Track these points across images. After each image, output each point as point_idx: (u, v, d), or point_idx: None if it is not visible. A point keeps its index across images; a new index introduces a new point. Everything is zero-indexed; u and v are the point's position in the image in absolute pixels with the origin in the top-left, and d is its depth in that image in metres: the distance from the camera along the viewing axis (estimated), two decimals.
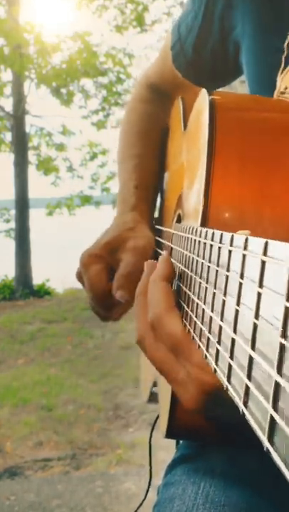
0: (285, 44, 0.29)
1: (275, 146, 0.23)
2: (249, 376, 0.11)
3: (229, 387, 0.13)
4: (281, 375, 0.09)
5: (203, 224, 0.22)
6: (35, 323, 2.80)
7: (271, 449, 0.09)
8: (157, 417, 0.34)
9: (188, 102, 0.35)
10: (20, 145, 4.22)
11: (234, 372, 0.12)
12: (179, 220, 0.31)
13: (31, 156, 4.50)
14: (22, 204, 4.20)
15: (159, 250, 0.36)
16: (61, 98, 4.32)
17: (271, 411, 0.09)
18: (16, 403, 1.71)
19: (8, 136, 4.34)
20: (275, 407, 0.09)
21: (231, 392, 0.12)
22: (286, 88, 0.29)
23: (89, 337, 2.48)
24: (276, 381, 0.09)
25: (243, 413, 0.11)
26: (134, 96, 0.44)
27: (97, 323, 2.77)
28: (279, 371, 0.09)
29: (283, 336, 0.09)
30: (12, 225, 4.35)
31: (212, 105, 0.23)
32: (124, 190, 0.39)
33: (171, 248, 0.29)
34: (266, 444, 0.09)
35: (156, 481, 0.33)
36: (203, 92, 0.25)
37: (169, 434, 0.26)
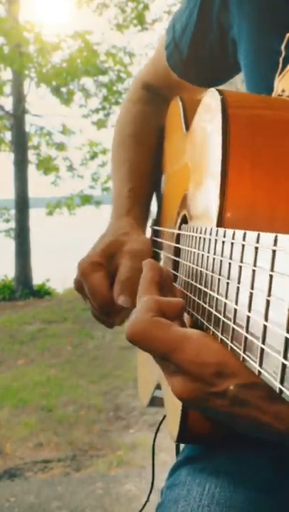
0: (283, 46, 0.29)
1: (287, 145, 0.22)
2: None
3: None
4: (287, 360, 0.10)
5: (219, 225, 0.21)
6: (35, 323, 2.80)
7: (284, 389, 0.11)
8: (161, 421, 0.33)
9: (188, 102, 0.35)
10: (20, 144, 4.22)
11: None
12: (184, 222, 0.30)
13: (31, 155, 4.52)
14: (22, 204, 4.20)
15: (158, 251, 0.35)
16: (61, 97, 4.32)
17: (282, 360, 0.10)
18: (15, 404, 1.70)
19: (8, 136, 4.35)
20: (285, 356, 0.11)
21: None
22: (283, 91, 0.28)
23: (89, 337, 2.48)
24: (286, 337, 0.10)
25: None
26: (129, 97, 0.44)
27: (98, 323, 2.75)
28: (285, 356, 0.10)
29: None
30: (12, 224, 4.36)
31: (224, 104, 0.23)
32: (117, 194, 0.38)
33: (178, 248, 0.29)
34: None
35: (157, 482, 0.33)
36: (212, 91, 0.24)
37: (181, 439, 0.25)
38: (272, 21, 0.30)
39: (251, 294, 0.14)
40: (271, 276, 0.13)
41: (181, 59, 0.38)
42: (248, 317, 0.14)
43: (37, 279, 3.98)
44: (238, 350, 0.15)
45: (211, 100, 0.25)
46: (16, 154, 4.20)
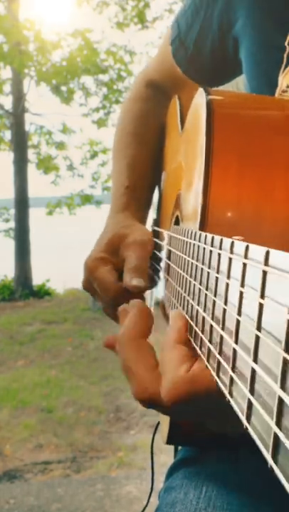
0: (287, 42, 0.29)
1: (273, 145, 0.22)
2: (252, 390, 0.11)
3: (231, 400, 0.12)
4: (285, 390, 0.09)
5: (202, 225, 0.21)
6: (35, 324, 2.79)
7: (275, 467, 0.09)
8: (158, 422, 0.33)
9: (185, 101, 0.36)
10: (20, 143, 4.21)
11: (236, 385, 0.12)
12: (177, 222, 0.30)
13: (31, 154, 4.50)
14: (22, 203, 4.19)
15: (157, 252, 0.35)
16: (61, 96, 4.31)
17: (275, 428, 0.09)
18: (15, 405, 1.70)
19: (8, 135, 4.34)
20: (278, 424, 0.09)
21: (233, 405, 0.12)
22: (288, 87, 0.28)
23: (90, 338, 2.47)
24: (279, 396, 0.09)
25: (246, 428, 0.11)
26: (132, 94, 0.43)
27: (98, 324, 2.81)
28: (283, 386, 0.09)
29: (287, 350, 0.09)
30: (12, 224, 4.34)
31: (209, 104, 0.23)
32: (115, 191, 0.38)
33: (169, 251, 0.28)
34: (270, 461, 0.09)
35: (158, 484, 0.33)
36: (200, 91, 0.24)
37: (170, 440, 0.26)
38: (276, 17, 0.30)
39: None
40: (261, 305, 0.10)
41: (186, 55, 0.37)
42: (235, 351, 0.12)
43: (37, 280, 3.97)
44: (222, 387, 0.13)
45: (198, 100, 0.25)
46: (16, 153, 4.19)
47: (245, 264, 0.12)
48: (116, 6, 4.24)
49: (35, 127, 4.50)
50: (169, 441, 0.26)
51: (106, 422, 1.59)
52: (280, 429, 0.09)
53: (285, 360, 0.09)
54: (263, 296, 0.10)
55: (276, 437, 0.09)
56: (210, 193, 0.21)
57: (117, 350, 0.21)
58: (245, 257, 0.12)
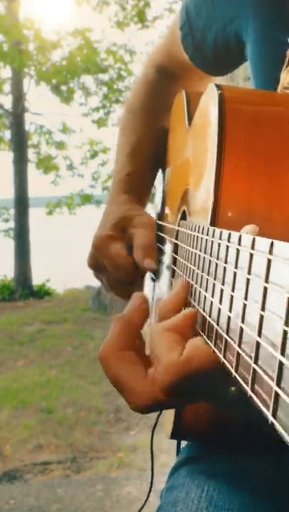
0: None
1: (284, 142, 0.22)
2: (256, 360, 0.12)
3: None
4: (284, 356, 0.10)
5: (213, 221, 0.21)
6: (35, 324, 2.79)
7: None
8: (156, 421, 0.33)
9: (192, 95, 0.35)
10: (20, 143, 4.21)
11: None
12: (183, 217, 0.30)
13: (31, 154, 4.50)
14: (21, 203, 4.19)
15: (160, 245, 0.35)
16: (61, 95, 4.31)
17: None
18: (15, 405, 1.70)
19: (8, 134, 4.34)
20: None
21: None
22: None
23: (90, 338, 2.47)
24: (280, 361, 0.10)
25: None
26: (140, 80, 0.43)
27: (98, 324, 2.81)
28: (282, 353, 0.10)
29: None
30: (11, 224, 4.35)
31: (221, 101, 0.23)
32: (116, 178, 0.39)
33: (176, 244, 0.28)
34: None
35: (158, 484, 0.33)
36: (211, 86, 0.24)
37: (175, 435, 0.25)
38: (279, 12, 0.30)
39: (245, 304, 0.14)
40: (266, 288, 0.12)
41: (193, 42, 0.37)
42: (242, 329, 0.13)
43: (37, 280, 3.98)
44: (229, 367, 0.15)
45: (209, 95, 0.25)
46: (16, 153, 4.19)
47: (251, 254, 0.13)
48: (116, 5, 4.25)
49: (35, 127, 4.51)
50: (173, 436, 0.25)
51: (106, 422, 1.59)
52: None
53: (285, 332, 0.10)
54: (267, 281, 0.11)
55: None
56: (221, 190, 0.21)
57: (103, 367, 0.21)
58: (252, 248, 0.13)
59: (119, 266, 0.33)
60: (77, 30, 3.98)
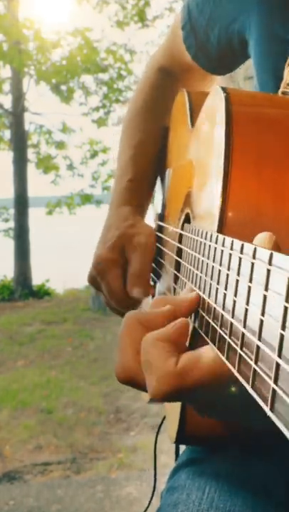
0: None
1: None
2: (257, 359, 0.13)
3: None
4: (281, 358, 0.11)
5: (220, 226, 0.21)
6: (34, 324, 2.79)
7: None
8: (162, 422, 0.33)
9: (195, 96, 0.35)
10: (20, 143, 4.21)
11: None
12: (187, 220, 0.30)
13: (31, 154, 4.50)
14: (21, 203, 4.19)
15: (160, 246, 0.36)
16: (61, 95, 4.31)
17: None
18: (15, 406, 1.69)
19: (7, 134, 4.34)
20: None
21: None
22: None
23: (90, 338, 2.47)
24: (277, 363, 0.11)
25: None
26: (142, 81, 0.43)
27: (98, 324, 2.81)
28: (279, 355, 0.11)
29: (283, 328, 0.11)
30: (11, 224, 4.34)
31: (228, 103, 0.23)
32: (118, 182, 0.40)
33: (179, 248, 0.29)
34: None
35: (158, 485, 0.33)
36: (217, 89, 0.24)
37: (179, 440, 0.25)
38: (283, 10, 0.30)
39: (246, 309, 0.14)
40: (265, 296, 0.13)
41: (195, 41, 0.37)
42: (243, 333, 0.14)
43: (36, 280, 3.97)
44: (231, 367, 0.15)
45: (215, 98, 0.25)
46: (15, 153, 4.18)
47: (253, 263, 0.14)
48: (116, 4, 4.25)
49: (34, 126, 4.51)
50: (177, 441, 0.25)
51: (106, 422, 1.59)
52: None
53: (281, 335, 0.11)
54: (266, 288, 0.12)
55: None
56: (229, 193, 0.21)
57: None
58: (253, 257, 0.14)
59: (114, 293, 0.35)
60: (77, 29, 3.97)
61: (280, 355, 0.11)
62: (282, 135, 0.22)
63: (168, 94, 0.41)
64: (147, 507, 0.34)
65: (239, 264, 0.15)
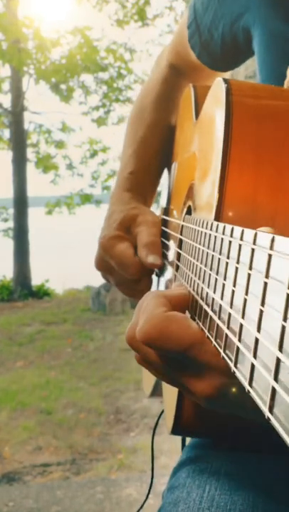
0: None
1: None
2: (255, 355, 0.12)
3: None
4: (282, 352, 0.10)
5: (217, 217, 0.21)
6: (34, 324, 2.78)
7: None
8: (157, 421, 0.33)
9: (200, 90, 0.35)
10: (19, 142, 4.20)
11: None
12: (189, 212, 0.30)
13: (30, 153, 4.50)
14: (21, 202, 4.18)
15: (165, 240, 0.35)
16: (61, 94, 4.30)
17: None
18: (14, 407, 1.68)
19: (7, 133, 4.33)
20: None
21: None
22: None
23: (89, 339, 2.47)
24: (277, 357, 0.10)
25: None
26: (152, 77, 0.43)
27: (98, 324, 2.81)
28: (280, 348, 0.10)
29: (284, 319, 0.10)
30: (10, 224, 4.34)
31: (228, 94, 0.22)
32: (119, 176, 0.40)
33: (181, 240, 0.29)
34: None
35: (159, 486, 0.32)
36: (219, 80, 0.24)
37: (175, 430, 0.25)
38: (286, 8, 0.30)
39: (245, 299, 0.14)
40: (266, 283, 0.12)
41: (200, 39, 0.37)
42: (241, 325, 0.14)
43: (36, 280, 3.96)
44: (228, 361, 0.15)
45: (216, 89, 0.24)
46: (15, 152, 4.17)
47: (253, 250, 0.13)
48: (116, 3, 4.23)
49: (34, 126, 4.51)
50: (173, 431, 0.25)
51: (106, 423, 1.58)
52: None
53: (283, 326, 0.10)
54: (267, 276, 0.12)
55: None
56: (226, 185, 0.21)
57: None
58: (254, 243, 0.13)
59: (126, 265, 0.33)
60: (77, 28, 3.96)
61: (280, 349, 0.10)
62: (283, 127, 0.22)
63: (177, 90, 0.41)
64: (141, 506, 0.33)
65: (239, 252, 0.14)
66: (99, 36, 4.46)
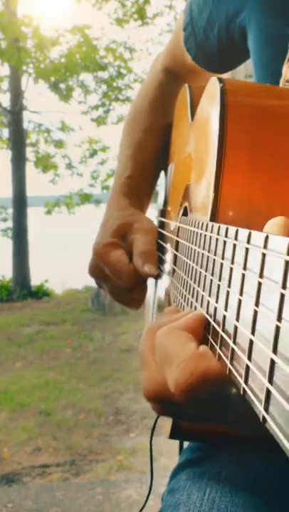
0: None
1: (287, 136, 0.21)
2: (249, 356, 0.12)
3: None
4: (276, 354, 0.10)
5: (213, 218, 0.21)
6: (33, 325, 2.78)
7: None
8: (155, 423, 0.33)
9: (196, 90, 0.35)
10: (18, 142, 4.19)
11: (236, 355, 0.13)
12: (185, 213, 0.30)
13: (29, 152, 4.50)
14: (20, 202, 4.17)
15: (162, 243, 0.35)
16: (60, 93, 4.30)
17: None
18: (13, 408, 1.68)
19: (6, 133, 4.33)
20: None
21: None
22: None
23: (89, 339, 2.46)
24: (271, 359, 0.10)
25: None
26: (147, 82, 0.44)
27: (98, 325, 2.81)
28: (274, 350, 0.10)
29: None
30: (9, 224, 4.33)
31: (223, 93, 0.22)
32: (117, 180, 0.39)
33: (177, 242, 0.29)
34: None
35: (159, 487, 0.32)
36: (214, 80, 0.24)
37: (174, 434, 0.25)
38: (283, 6, 0.30)
39: (240, 300, 0.13)
40: (260, 283, 0.12)
41: (195, 41, 0.37)
42: (236, 327, 0.13)
43: (35, 280, 3.95)
44: (225, 358, 0.14)
45: (211, 88, 0.24)
46: (14, 152, 4.16)
47: (247, 249, 0.13)
48: (115, 1, 4.22)
49: (33, 125, 4.50)
50: (171, 436, 0.25)
51: (105, 424, 1.58)
52: None
53: (277, 327, 0.10)
54: (261, 275, 0.11)
55: None
56: (222, 185, 0.21)
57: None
58: (248, 242, 0.13)
59: (120, 273, 0.33)
60: (76, 27, 3.96)
61: (275, 350, 0.10)
62: (278, 126, 0.21)
63: (172, 94, 0.41)
64: (142, 507, 0.33)
65: (233, 252, 0.14)
66: (98, 35, 4.56)
